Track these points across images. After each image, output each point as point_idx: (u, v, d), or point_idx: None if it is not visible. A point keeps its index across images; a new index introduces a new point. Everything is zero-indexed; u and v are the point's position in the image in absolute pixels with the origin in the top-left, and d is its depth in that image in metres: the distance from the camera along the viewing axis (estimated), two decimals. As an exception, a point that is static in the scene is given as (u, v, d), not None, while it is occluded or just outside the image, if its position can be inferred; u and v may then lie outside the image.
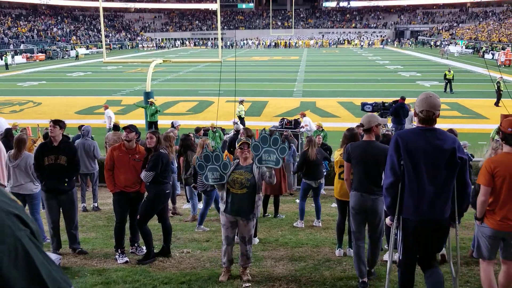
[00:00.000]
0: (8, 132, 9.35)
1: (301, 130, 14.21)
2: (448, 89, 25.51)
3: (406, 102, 14.81)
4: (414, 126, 3.92)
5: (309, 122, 14.59)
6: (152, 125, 16.30)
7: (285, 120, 14.84)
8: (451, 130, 7.08)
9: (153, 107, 16.46)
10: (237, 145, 5.34)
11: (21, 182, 6.46)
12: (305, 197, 7.87)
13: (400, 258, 3.79)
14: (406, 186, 3.61)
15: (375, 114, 5.14)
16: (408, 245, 3.70)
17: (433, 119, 3.62)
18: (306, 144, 7.85)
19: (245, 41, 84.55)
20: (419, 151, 3.53)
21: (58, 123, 5.96)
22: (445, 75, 25.62)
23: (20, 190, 6.47)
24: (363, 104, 15.71)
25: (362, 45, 78.00)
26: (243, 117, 17.39)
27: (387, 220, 3.94)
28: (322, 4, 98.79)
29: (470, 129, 17.04)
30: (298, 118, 14.92)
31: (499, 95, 21.62)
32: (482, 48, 55.17)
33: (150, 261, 5.79)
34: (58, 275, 0.98)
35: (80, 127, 10.78)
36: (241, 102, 17.61)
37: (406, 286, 3.81)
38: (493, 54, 48.37)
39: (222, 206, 5.24)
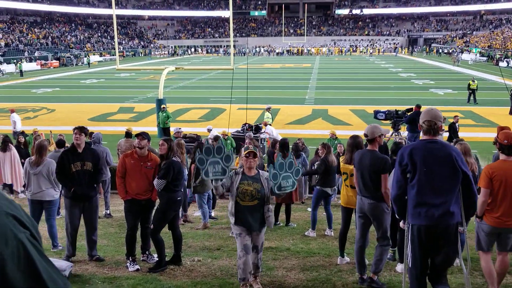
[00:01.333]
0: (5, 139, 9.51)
1: (261, 136, 14.66)
2: (472, 99, 24.68)
3: (422, 109, 14.71)
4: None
5: (272, 131, 14.92)
6: (164, 131, 16.42)
7: (247, 125, 15.05)
8: (459, 140, 7.02)
9: (164, 114, 16.58)
10: (243, 153, 5.21)
11: (42, 189, 6.50)
12: (317, 206, 7.81)
13: (410, 265, 4.01)
14: (413, 195, 3.91)
15: (377, 125, 5.19)
16: (416, 251, 3.93)
17: (435, 129, 3.94)
18: (322, 151, 7.81)
19: (257, 49, 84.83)
20: (423, 162, 3.84)
21: (83, 130, 6.12)
22: (469, 85, 24.77)
23: (42, 196, 6.51)
24: (376, 112, 15.65)
25: (371, 53, 77.99)
26: (270, 124, 16.89)
27: (401, 224, 4.31)
28: (334, 11, 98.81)
29: (484, 137, 16.82)
30: (261, 124, 15.48)
31: (512, 103, 21.37)
32: (496, 55, 54.68)
33: (161, 270, 5.77)
34: (58, 277, 1.00)
35: (90, 134, 10.83)
36: (268, 109, 17.18)
37: None
38: (507, 62, 47.91)
39: (232, 219, 5.10)
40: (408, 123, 14.67)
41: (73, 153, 6.05)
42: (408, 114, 14.96)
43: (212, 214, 9.33)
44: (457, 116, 15.17)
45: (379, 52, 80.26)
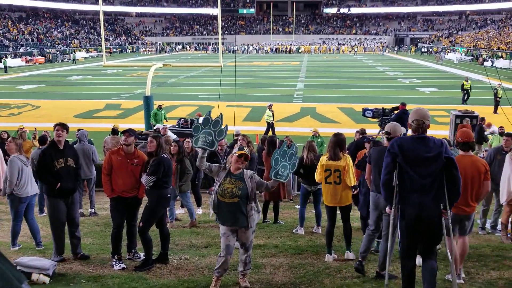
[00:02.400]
0: None
1: None
2: (466, 99, 24.66)
3: (408, 108, 14.81)
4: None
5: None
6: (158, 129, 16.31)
7: (182, 119, 15.00)
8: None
9: (163, 111, 16.50)
10: (234, 151, 5.13)
11: (33, 183, 6.61)
12: (305, 203, 7.78)
13: (401, 248, 4.34)
14: (404, 183, 4.21)
15: (398, 124, 5.36)
16: (405, 234, 4.25)
17: (423, 127, 4.23)
18: (304, 149, 7.78)
19: (246, 46, 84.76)
20: (412, 154, 4.14)
21: (65, 126, 6.07)
22: (463, 85, 24.82)
23: (34, 191, 6.62)
24: (364, 110, 15.77)
25: (356, 51, 78.86)
26: (271, 122, 17.01)
27: (387, 209, 4.63)
28: (322, 10, 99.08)
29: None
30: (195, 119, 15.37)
31: (496, 102, 21.58)
32: (482, 55, 55.29)
33: (148, 268, 5.70)
34: (12, 274, 0.97)
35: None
36: (269, 107, 17.20)
37: (408, 278, 4.33)
38: (492, 61, 48.48)
39: (211, 210, 5.14)
40: (395, 122, 14.74)
41: (55, 150, 6.00)
42: (395, 112, 15.03)
43: (200, 212, 9.27)
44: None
45: (365, 50, 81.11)
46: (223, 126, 5.08)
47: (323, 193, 6.28)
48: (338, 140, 6.00)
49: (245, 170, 5.15)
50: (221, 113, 5.18)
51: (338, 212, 6.34)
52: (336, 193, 6.04)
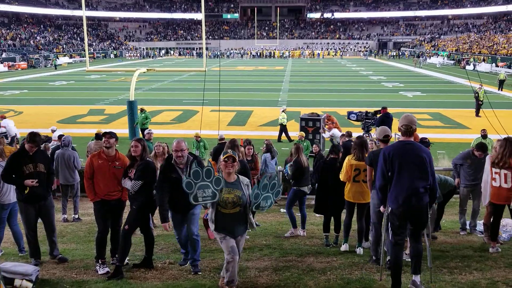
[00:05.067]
0: None
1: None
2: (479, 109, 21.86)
3: (392, 112, 15.11)
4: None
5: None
6: (142, 132, 16.24)
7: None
8: (424, 139, 8.45)
9: (143, 115, 16.44)
10: (221, 157, 4.95)
11: (12, 191, 6.41)
12: (291, 206, 7.78)
13: (391, 237, 4.97)
14: (393, 185, 4.85)
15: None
16: (396, 228, 4.91)
17: (411, 131, 4.84)
18: (295, 152, 7.81)
19: (230, 51, 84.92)
20: (400, 160, 4.78)
21: (33, 138, 5.97)
22: (477, 94, 22.05)
23: (14, 198, 6.40)
24: (349, 113, 16.20)
25: (341, 55, 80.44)
26: (285, 125, 17.30)
27: (381, 208, 5.17)
28: (306, 15, 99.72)
29: (451, 138, 17.24)
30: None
31: (478, 105, 21.86)
32: (464, 59, 56.14)
33: (119, 278, 5.51)
34: None
35: (60, 137, 10.58)
36: (284, 110, 17.66)
37: (396, 261, 4.95)
38: (474, 65, 49.25)
39: (212, 226, 4.91)
40: (378, 125, 14.94)
41: (24, 156, 5.92)
42: (378, 116, 15.27)
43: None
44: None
45: (342, 54, 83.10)
46: (216, 174, 4.75)
47: (347, 191, 6.55)
48: (362, 142, 6.47)
49: (241, 177, 4.99)
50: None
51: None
52: (362, 191, 6.43)
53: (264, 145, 10.97)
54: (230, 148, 6.98)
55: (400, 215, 4.82)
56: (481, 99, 21.69)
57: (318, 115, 15.83)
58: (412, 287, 4.91)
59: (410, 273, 5.01)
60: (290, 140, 16.72)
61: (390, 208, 4.91)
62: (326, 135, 14.42)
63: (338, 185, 6.69)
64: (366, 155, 6.14)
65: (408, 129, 4.80)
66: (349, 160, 6.50)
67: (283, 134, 17.25)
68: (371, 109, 16.30)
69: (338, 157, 7.01)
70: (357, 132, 15.71)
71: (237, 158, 4.96)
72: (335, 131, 14.09)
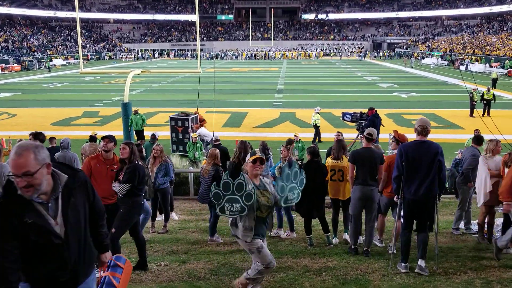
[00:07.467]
0: None
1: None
2: (486, 112, 22.24)
3: (387, 112, 15.12)
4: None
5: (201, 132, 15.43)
6: (138, 134, 16.20)
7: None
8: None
9: (138, 116, 16.39)
10: (248, 158, 4.63)
11: None
12: (289, 208, 7.69)
13: (403, 222, 5.63)
14: (407, 177, 5.47)
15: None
16: (407, 214, 5.59)
17: (426, 131, 5.44)
18: (285, 152, 7.76)
19: (225, 53, 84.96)
20: (415, 156, 5.40)
21: (38, 136, 5.91)
22: (483, 95, 22.47)
23: None
24: (344, 114, 16.26)
25: (340, 56, 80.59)
26: (319, 126, 17.62)
27: (395, 198, 5.83)
28: (300, 16, 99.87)
29: (445, 139, 17.30)
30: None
31: (472, 105, 22.04)
32: (458, 60, 56.42)
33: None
34: None
35: (51, 139, 10.53)
36: (318, 112, 17.96)
37: (406, 242, 5.63)
38: (466, 65, 49.50)
39: (249, 235, 4.55)
40: (368, 126, 15.01)
41: None
42: (368, 117, 15.37)
43: (176, 218, 9.20)
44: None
45: (341, 55, 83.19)
46: (249, 188, 4.33)
47: (329, 189, 7.14)
48: (341, 145, 7.16)
49: (264, 178, 4.75)
50: (243, 174, 4.38)
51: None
52: (339, 189, 7.10)
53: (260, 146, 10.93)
54: (262, 150, 6.99)
55: (411, 203, 5.47)
56: (475, 100, 21.92)
57: (188, 115, 16.11)
58: (418, 270, 5.51)
59: (417, 258, 5.61)
60: (319, 141, 16.87)
61: (403, 197, 5.54)
62: (196, 133, 14.67)
63: (316, 188, 6.75)
64: (346, 156, 6.95)
65: (424, 129, 5.41)
66: (327, 162, 7.22)
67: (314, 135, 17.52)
68: (364, 110, 16.36)
69: (317, 159, 7.01)
70: (350, 134, 15.80)
71: (264, 159, 4.67)
72: (202, 130, 15.11)
